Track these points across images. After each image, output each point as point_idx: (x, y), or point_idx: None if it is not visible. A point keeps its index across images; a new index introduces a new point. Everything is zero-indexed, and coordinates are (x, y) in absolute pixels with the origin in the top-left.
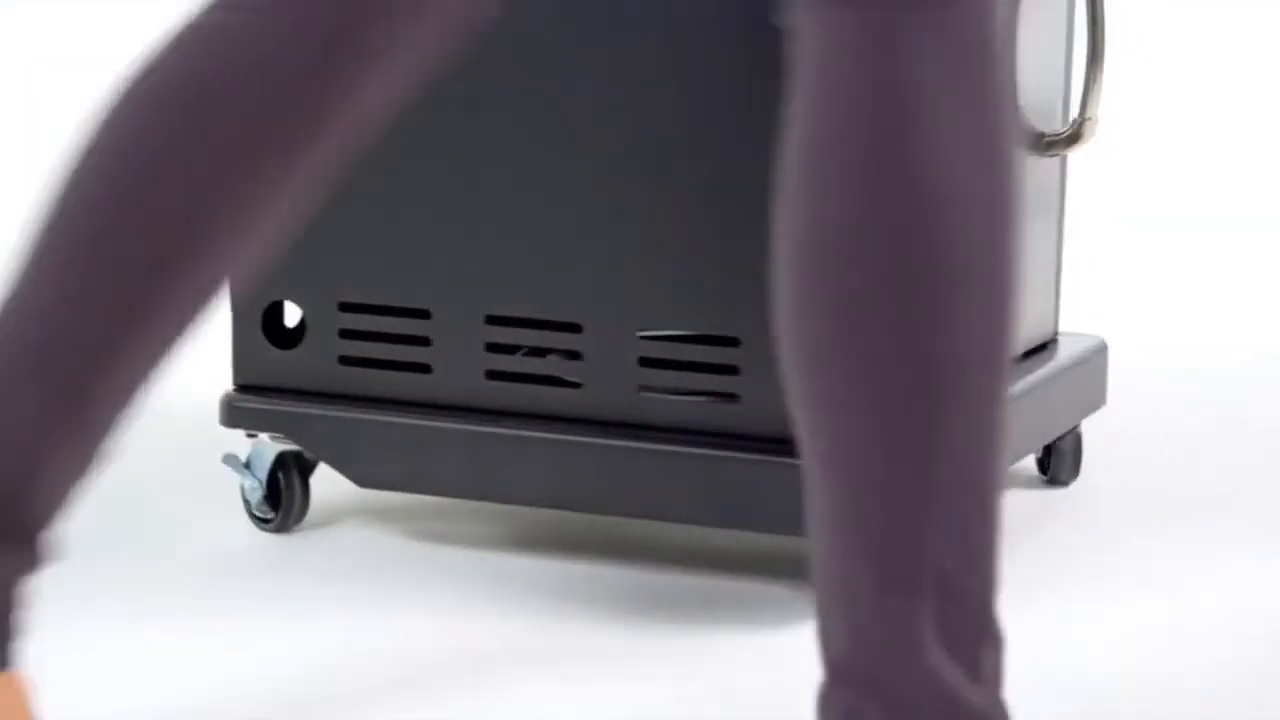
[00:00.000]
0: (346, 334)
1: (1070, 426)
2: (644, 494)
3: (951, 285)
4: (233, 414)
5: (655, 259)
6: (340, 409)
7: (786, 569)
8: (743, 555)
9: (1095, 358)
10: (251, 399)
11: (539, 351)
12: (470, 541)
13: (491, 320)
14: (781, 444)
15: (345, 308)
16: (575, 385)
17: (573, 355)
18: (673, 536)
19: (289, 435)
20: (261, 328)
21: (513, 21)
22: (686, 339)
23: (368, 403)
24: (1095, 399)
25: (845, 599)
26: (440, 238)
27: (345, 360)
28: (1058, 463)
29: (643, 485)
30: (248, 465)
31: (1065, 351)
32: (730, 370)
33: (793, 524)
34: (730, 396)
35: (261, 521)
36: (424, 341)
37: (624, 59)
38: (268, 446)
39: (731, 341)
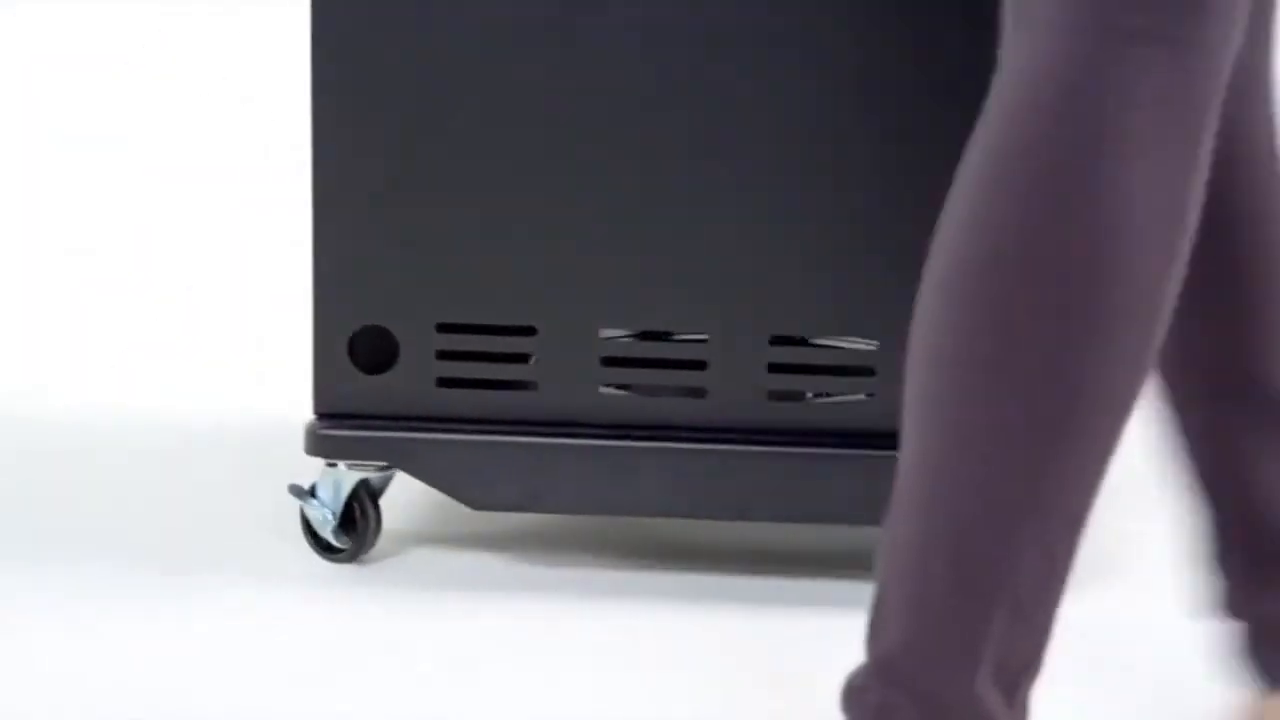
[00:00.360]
0: (445, 355)
1: None
2: (767, 498)
3: (1113, 323)
4: (322, 443)
5: (783, 265)
6: (448, 432)
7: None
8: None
9: None
10: (342, 426)
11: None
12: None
13: (604, 334)
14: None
15: (443, 329)
16: (700, 394)
17: (697, 365)
18: (748, 537)
19: (393, 462)
20: (349, 354)
21: (612, 39)
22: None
23: (474, 424)
24: None
25: (916, 599)
26: (547, 254)
27: (445, 382)
28: None
29: (765, 489)
30: (312, 493)
31: None
32: (866, 372)
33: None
34: (857, 398)
35: (331, 551)
36: (525, 359)
37: (743, 71)
38: (345, 475)
39: (867, 344)
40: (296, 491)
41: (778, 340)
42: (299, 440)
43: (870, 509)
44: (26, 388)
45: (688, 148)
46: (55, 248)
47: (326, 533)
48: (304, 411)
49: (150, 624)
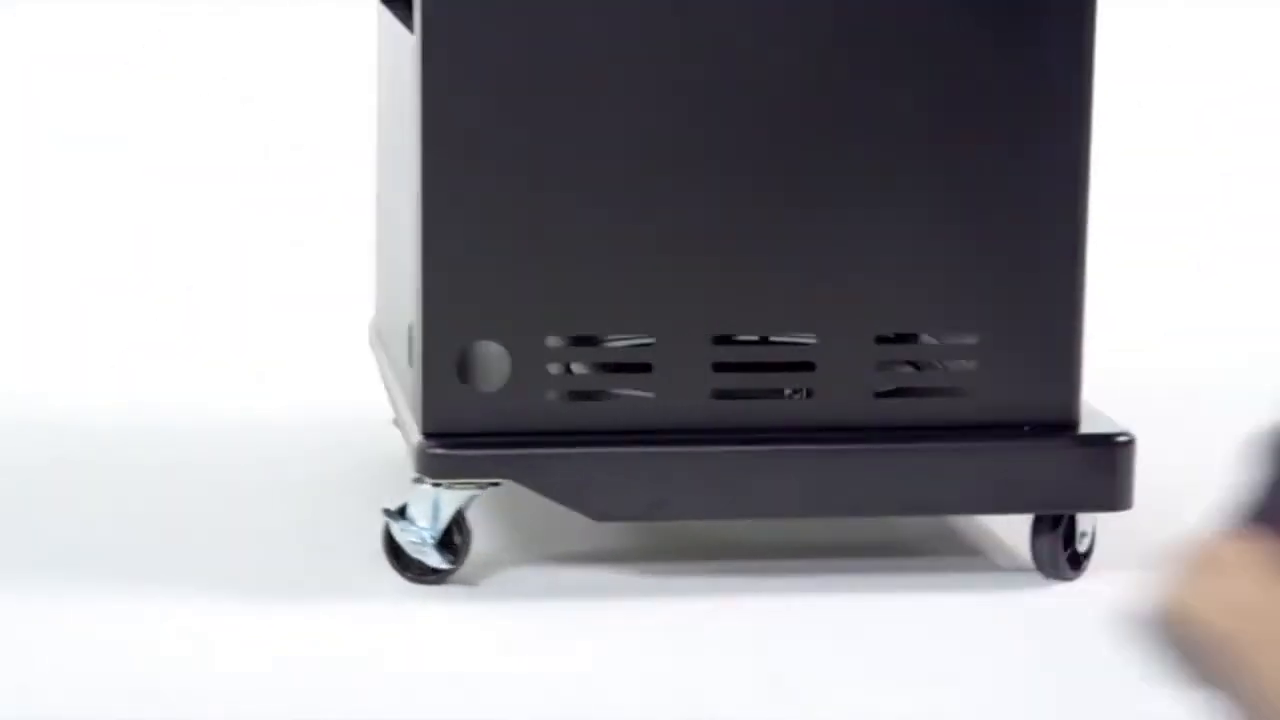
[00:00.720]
0: (559, 368)
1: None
2: (881, 493)
3: None
4: (437, 463)
5: (885, 265)
6: (568, 445)
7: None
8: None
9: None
10: (456, 445)
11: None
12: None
13: (719, 340)
14: (1008, 429)
15: (558, 342)
16: (808, 395)
17: (805, 366)
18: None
19: (514, 478)
20: (457, 373)
21: (715, 45)
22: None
23: (593, 436)
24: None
25: None
26: (662, 263)
27: (563, 395)
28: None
29: (884, 484)
30: (402, 514)
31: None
32: (966, 365)
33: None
34: (961, 391)
35: (429, 573)
36: (645, 368)
37: (852, 74)
38: (447, 494)
39: (965, 341)
40: (388, 514)
41: (882, 339)
42: (300, 439)
43: (980, 499)
44: (26, 388)
45: (794, 154)
46: (55, 248)
47: (423, 554)
48: (304, 411)
49: (177, 640)
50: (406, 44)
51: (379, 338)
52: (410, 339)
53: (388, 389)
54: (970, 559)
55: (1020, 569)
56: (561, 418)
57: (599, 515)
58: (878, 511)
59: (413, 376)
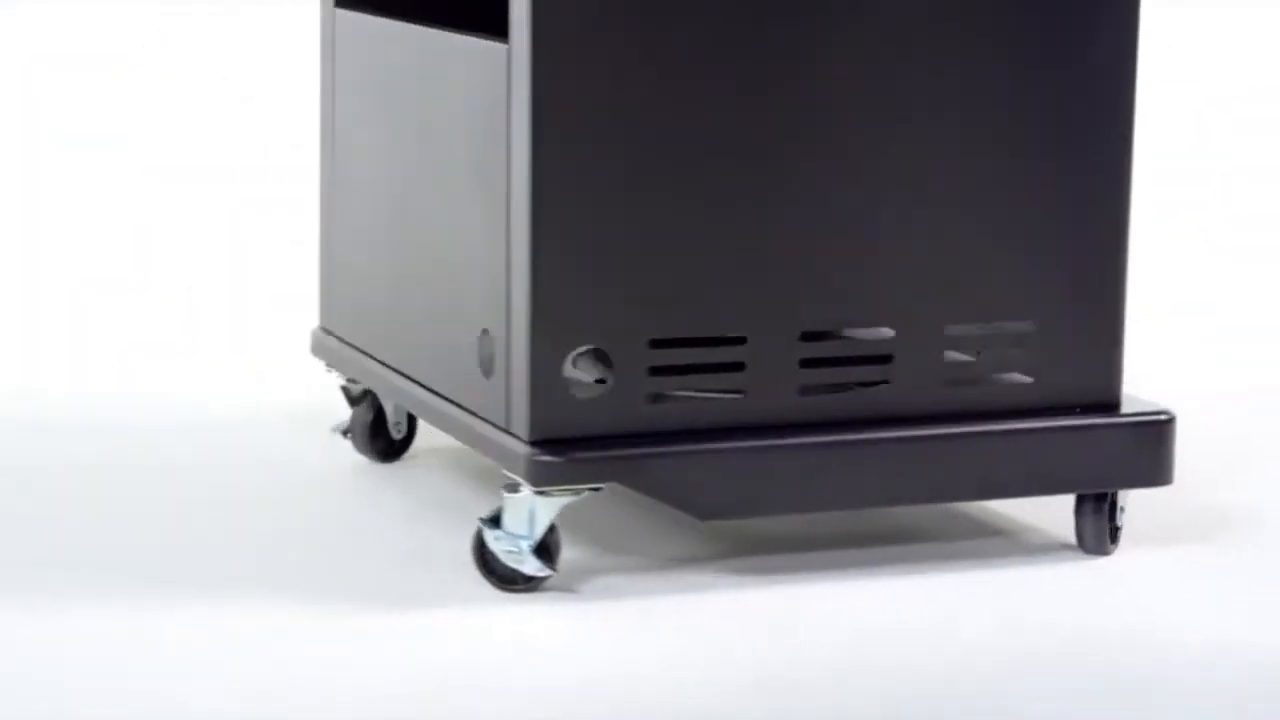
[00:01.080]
0: (657, 370)
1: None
2: (964, 478)
3: None
4: (547, 471)
5: (958, 256)
6: (669, 445)
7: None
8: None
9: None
10: (564, 452)
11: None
12: None
13: (806, 336)
14: (1063, 411)
15: (656, 344)
16: (881, 385)
17: (883, 359)
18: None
19: (623, 481)
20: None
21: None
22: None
23: (692, 436)
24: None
25: None
26: (751, 263)
27: (661, 397)
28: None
29: (963, 470)
30: (495, 523)
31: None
32: (1026, 352)
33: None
34: (1031, 375)
35: (522, 581)
36: (738, 367)
37: (932, 76)
38: (543, 501)
39: (1026, 327)
40: (483, 522)
41: (952, 329)
42: (300, 439)
43: (1047, 480)
44: (26, 388)
45: (875, 160)
46: (55, 248)
47: (520, 563)
48: (305, 411)
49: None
50: (461, 49)
51: (362, 344)
52: (485, 348)
53: (381, 395)
54: (993, 541)
55: (1047, 547)
56: (661, 419)
57: (701, 514)
58: (958, 497)
59: (497, 385)
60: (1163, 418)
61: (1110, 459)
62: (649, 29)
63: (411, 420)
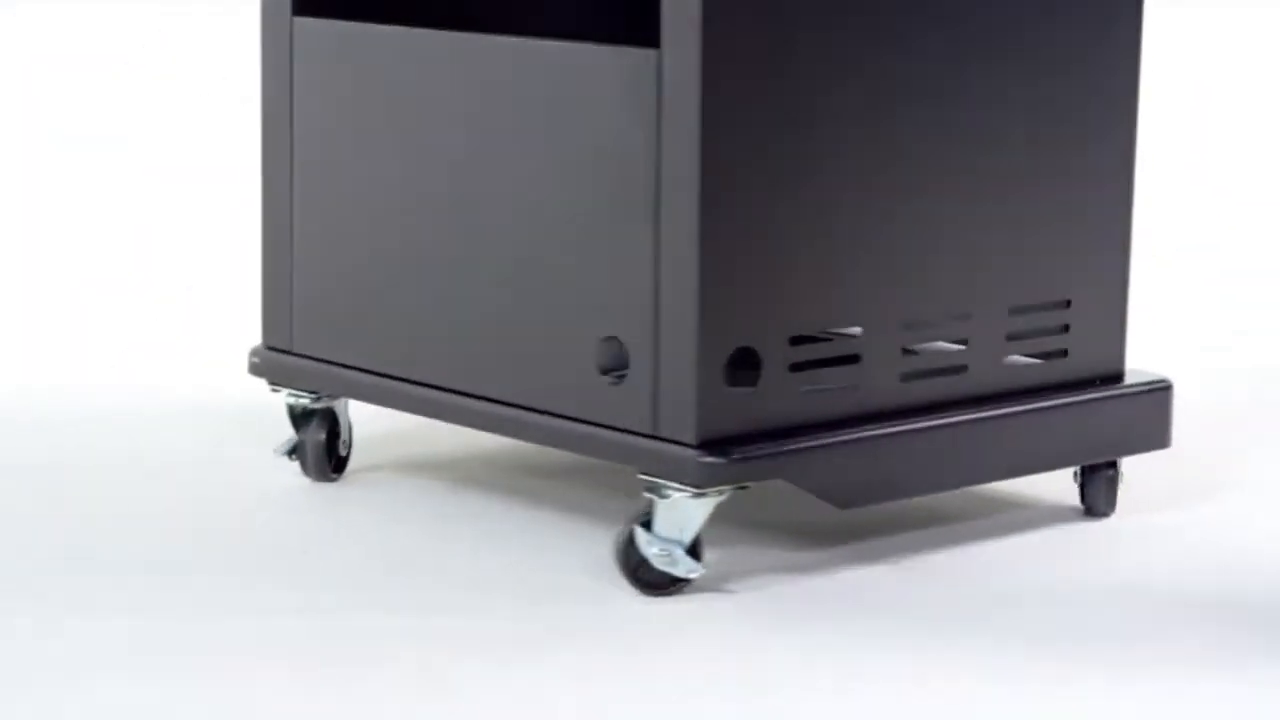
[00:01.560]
0: (795, 367)
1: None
2: (1052, 448)
3: None
4: (715, 472)
5: (1021, 240)
6: (823, 438)
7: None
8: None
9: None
10: (728, 452)
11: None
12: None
13: (907, 325)
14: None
15: (795, 341)
16: (963, 370)
17: (960, 342)
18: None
19: (783, 476)
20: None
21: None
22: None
23: (828, 428)
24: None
25: None
26: (870, 261)
27: (803, 391)
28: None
29: (1047, 441)
30: (647, 526)
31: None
32: (1065, 330)
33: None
34: (1062, 353)
35: (671, 584)
36: (854, 359)
37: (999, 75)
38: (695, 504)
39: (1064, 304)
40: (640, 536)
41: (1015, 310)
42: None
43: (1092, 448)
44: (26, 387)
45: (945, 152)
46: (55, 248)
47: (673, 566)
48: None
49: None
50: (589, 58)
51: (373, 365)
52: (613, 354)
53: (413, 412)
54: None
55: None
56: (802, 414)
57: (843, 504)
58: (1045, 468)
59: (636, 392)
60: (1164, 385)
61: (1127, 426)
62: (804, 33)
63: (350, 435)
